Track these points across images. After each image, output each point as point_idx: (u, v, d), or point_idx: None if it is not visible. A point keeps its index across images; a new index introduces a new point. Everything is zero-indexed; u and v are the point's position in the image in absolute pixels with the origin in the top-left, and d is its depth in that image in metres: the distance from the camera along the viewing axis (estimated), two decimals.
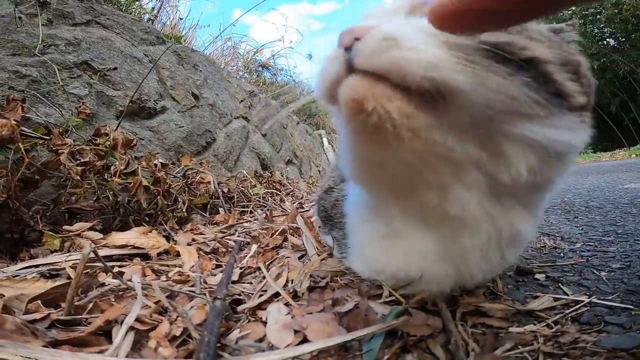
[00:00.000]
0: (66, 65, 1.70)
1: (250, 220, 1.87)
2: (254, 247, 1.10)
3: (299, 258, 0.97)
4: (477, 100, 0.36)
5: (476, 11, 0.24)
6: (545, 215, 1.67)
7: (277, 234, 1.24)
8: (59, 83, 1.36)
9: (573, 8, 14.84)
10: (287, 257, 0.96)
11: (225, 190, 2.00)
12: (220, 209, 1.93)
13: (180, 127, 2.03)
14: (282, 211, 2.01)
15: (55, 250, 1.13)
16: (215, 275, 0.92)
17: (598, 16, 13.49)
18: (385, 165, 0.45)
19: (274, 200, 2.22)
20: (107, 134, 1.15)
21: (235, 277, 0.86)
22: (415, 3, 0.48)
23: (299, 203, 2.21)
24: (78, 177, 1.14)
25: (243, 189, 2.00)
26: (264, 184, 2.27)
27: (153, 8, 3.36)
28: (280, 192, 2.29)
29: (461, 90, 0.35)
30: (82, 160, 1.12)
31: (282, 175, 2.54)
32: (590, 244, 1.08)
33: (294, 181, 2.78)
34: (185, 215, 1.73)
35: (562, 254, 0.99)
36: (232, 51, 4.49)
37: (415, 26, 0.38)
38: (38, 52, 1.58)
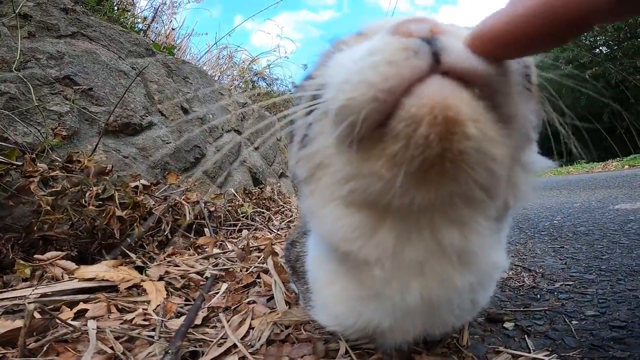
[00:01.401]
0: (47, 81, 1.63)
1: (235, 242, 1.81)
2: (224, 285, 1.06)
3: (268, 300, 0.96)
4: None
5: (522, 35, 0.24)
6: (532, 243, 1.66)
7: (252, 267, 1.21)
8: (34, 102, 1.29)
9: None
10: (253, 303, 0.94)
11: (212, 209, 1.94)
12: (205, 229, 1.87)
13: (167, 143, 1.96)
14: (269, 232, 1.96)
15: (26, 279, 1.10)
16: (180, 316, 0.90)
17: None
18: (418, 205, 0.34)
19: (263, 217, 2.16)
20: (79, 161, 1.09)
21: (199, 321, 0.85)
22: (397, 26, 0.42)
23: (287, 221, 2.16)
24: (48, 207, 1.08)
25: (230, 208, 1.94)
26: (254, 201, 2.21)
27: (145, 18, 3.30)
28: (270, 209, 2.23)
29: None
30: (54, 190, 1.06)
31: (273, 191, 2.48)
32: (570, 283, 1.06)
33: (286, 196, 2.73)
34: (169, 237, 1.67)
35: (539, 296, 0.98)
36: (228, 60, 4.45)
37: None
38: (15, 68, 1.51)
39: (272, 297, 0.96)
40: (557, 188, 4.98)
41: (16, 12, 1.75)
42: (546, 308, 0.88)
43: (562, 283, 1.06)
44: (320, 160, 0.39)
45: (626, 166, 9.50)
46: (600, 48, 14.99)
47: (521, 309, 0.88)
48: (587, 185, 4.91)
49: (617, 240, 1.53)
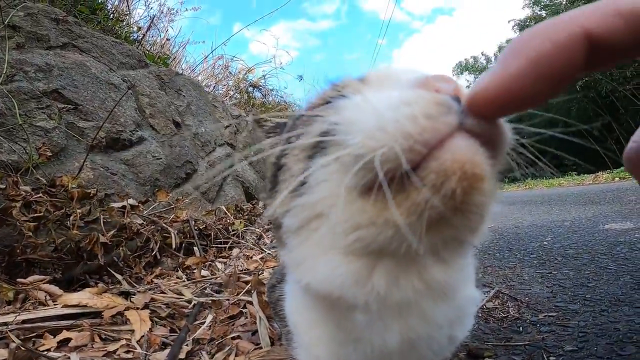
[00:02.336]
0: (34, 95, 1.59)
1: (225, 262, 1.77)
2: (210, 317, 1.03)
3: (253, 334, 0.94)
4: None
5: (516, 95, 0.26)
6: (521, 268, 1.66)
7: (240, 295, 1.19)
8: (18, 120, 1.24)
9: None
10: (238, 338, 0.92)
11: (203, 226, 1.90)
12: (195, 247, 1.82)
13: (157, 158, 1.92)
14: (259, 250, 1.92)
15: (10, 302, 1.07)
16: (164, 348, 0.88)
17: None
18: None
19: (255, 234, 2.12)
20: (63, 185, 1.05)
21: (183, 354, 0.83)
22: (425, 81, 0.39)
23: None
24: (30, 233, 1.03)
25: (221, 225, 1.90)
26: (245, 218, 2.17)
27: (140, 28, 3.27)
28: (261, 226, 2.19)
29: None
30: (36, 215, 1.02)
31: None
32: (554, 314, 1.06)
33: None
34: (157, 257, 1.63)
35: (521, 328, 0.98)
36: (224, 70, 4.43)
37: None
38: (1, 82, 1.47)
39: (257, 331, 0.95)
40: (549, 203, 5.01)
41: (5, 22, 1.70)
42: (527, 342, 0.88)
43: (545, 314, 1.07)
44: (321, 209, 0.37)
45: (616, 178, 9.62)
46: None
47: (502, 343, 0.88)
48: (578, 200, 4.94)
49: (604, 266, 1.53)
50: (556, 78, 0.25)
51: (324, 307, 0.47)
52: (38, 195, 1.10)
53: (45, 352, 0.78)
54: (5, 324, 0.87)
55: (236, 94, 4.52)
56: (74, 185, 1.14)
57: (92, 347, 0.88)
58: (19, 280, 1.12)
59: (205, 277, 1.48)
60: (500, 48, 20.07)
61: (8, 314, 0.95)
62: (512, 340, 0.90)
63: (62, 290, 1.11)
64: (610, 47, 0.25)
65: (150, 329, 0.99)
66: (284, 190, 0.41)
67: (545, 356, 0.80)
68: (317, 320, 0.51)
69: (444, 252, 0.37)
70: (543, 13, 15.69)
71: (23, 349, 0.74)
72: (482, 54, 21.90)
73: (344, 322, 0.45)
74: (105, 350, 0.86)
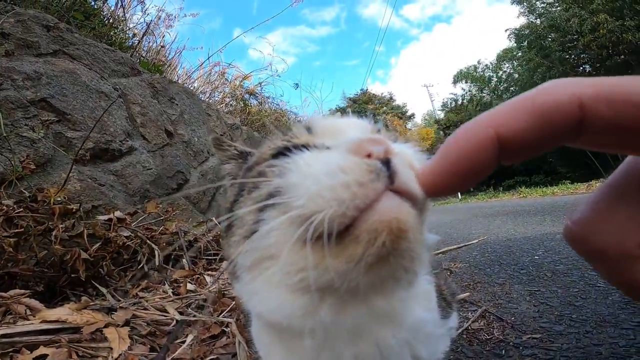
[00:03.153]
0: (21, 104, 1.56)
1: (214, 275, 1.74)
2: (190, 336, 1.01)
3: (232, 357, 0.94)
4: None
5: (441, 188, 0.32)
6: (510, 284, 1.66)
7: (223, 314, 1.16)
8: (2, 132, 1.22)
9: (552, 34, 15.63)
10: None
11: (192, 238, 1.87)
12: (184, 260, 1.79)
13: (148, 169, 1.90)
14: None
15: None
16: None
17: (575, 42, 14.00)
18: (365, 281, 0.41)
19: None
20: (45, 201, 1.02)
21: None
22: (359, 145, 0.43)
23: None
24: (11, 249, 1.01)
25: (211, 237, 1.87)
26: None
27: (134, 34, 3.25)
28: None
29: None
30: (18, 231, 1.00)
31: None
32: (538, 335, 1.06)
33: None
34: (145, 269, 1.60)
35: (504, 352, 0.98)
36: (220, 77, 4.41)
37: (407, 151, 0.41)
38: None
39: (236, 354, 0.94)
40: (542, 213, 5.03)
41: None
42: None
43: (530, 336, 1.07)
44: (272, 253, 0.43)
45: (591, 194, 9.72)
46: (584, 66, 15.41)
47: None
48: (571, 210, 4.97)
49: (593, 283, 1.53)
50: (472, 175, 0.29)
51: (276, 332, 0.51)
52: (20, 210, 1.07)
53: None
54: None
55: (232, 101, 4.50)
56: (58, 199, 1.11)
57: None
58: None
59: (191, 291, 1.45)
60: (498, 57, 20.16)
61: None
62: None
63: (42, 305, 1.09)
64: (520, 143, 0.27)
65: (129, 346, 0.97)
66: (238, 236, 0.46)
67: None
68: (273, 344, 0.55)
69: (383, 287, 0.41)
70: (538, 21, 15.85)
71: None
72: (479, 62, 22.04)
73: (295, 347, 0.49)
74: None
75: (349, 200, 0.34)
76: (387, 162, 0.36)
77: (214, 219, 1.98)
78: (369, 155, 0.36)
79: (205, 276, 1.74)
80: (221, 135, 2.93)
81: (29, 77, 1.65)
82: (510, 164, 0.31)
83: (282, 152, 0.45)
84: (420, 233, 0.38)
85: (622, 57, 13.12)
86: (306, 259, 0.39)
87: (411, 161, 0.38)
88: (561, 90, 0.26)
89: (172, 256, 1.78)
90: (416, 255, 0.39)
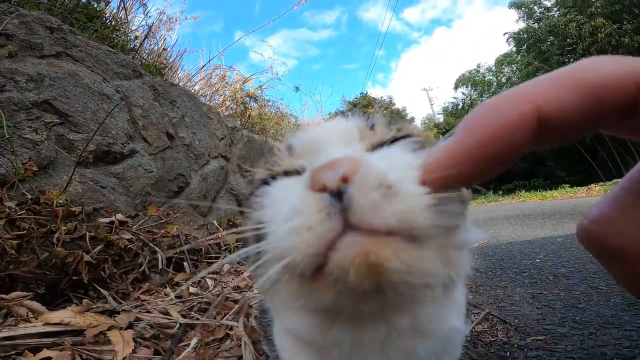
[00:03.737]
0: (24, 106, 1.56)
1: (215, 278, 1.74)
2: (195, 340, 1.00)
3: (238, 359, 0.93)
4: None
5: (462, 174, 0.27)
6: (512, 287, 1.66)
7: (226, 318, 1.16)
8: (5, 133, 1.22)
9: (551, 38, 15.69)
10: None
11: (193, 242, 1.87)
12: (185, 263, 1.79)
13: (149, 172, 1.90)
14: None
15: None
16: None
17: (574, 46, 14.04)
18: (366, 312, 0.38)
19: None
20: (47, 203, 1.02)
21: None
22: (362, 130, 0.44)
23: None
24: (13, 251, 1.00)
25: (212, 240, 1.87)
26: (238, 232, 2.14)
27: (136, 37, 3.26)
28: None
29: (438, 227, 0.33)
30: (20, 233, 0.99)
31: None
32: (542, 337, 1.06)
33: None
34: (146, 272, 1.60)
35: (508, 353, 0.98)
36: (221, 80, 4.41)
37: (397, 160, 0.35)
38: None
39: (242, 356, 0.93)
40: (542, 217, 5.04)
41: None
42: None
43: (534, 338, 1.06)
44: (274, 280, 0.42)
45: (609, 190, 9.72)
46: None
47: None
48: (571, 214, 4.97)
49: (595, 286, 1.53)
50: (503, 159, 0.25)
51: (303, 342, 0.49)
52: (22, 212, 1.07)
53: None
54: None
55: (232, 104, 4.51)
56: (60, 201, 1.11)
57: None
58: (0, 296, 1.10)
59: (194, 294, 1.44)
60: (497, 61, 20.23)
61: None
62: None
63: (44, 307, 1.08)
64: (563, 124, 0.24)
65: (133, 350, 0.96)
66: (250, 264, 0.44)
67: None
68: (299, 349, 0.52)
69: (398, 308, 0.38)
70: (536, 25, 15.91)
71: None
72: (479, 66, 22.08)
73: (324, 356, 0.47)
74: None
75: (304, 247, 0.32)
76: (339, 195, 0.31)
77: (214, 222, 1.97)
78: (323, 189, 0.32)
79: (206, 279, 1.73)
80: (222, 138, 2.93)
81: (32, 79, 1.66)
82: (541, 149, 0.27)
83: (265, 181, 0.42)
84: (413, 254, 0.32)
85: None
86: (298, 287, 0.37)
87: (385, 176, 0.32)
88: (614, 66, 0.23)
89: (173, 259, 1.78)
90: (425, 275, 0.34)
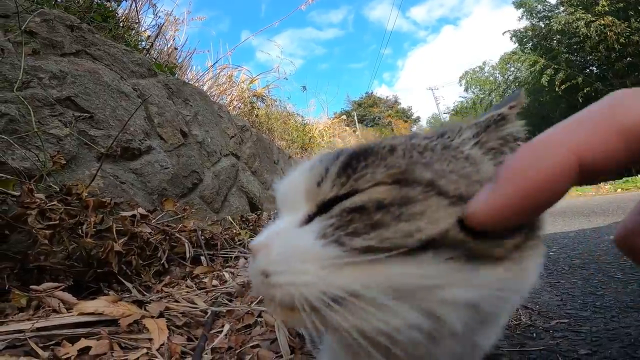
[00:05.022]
0: (48, 102, 1.61)
1: (233, 272, 1.77)
2: (227, 326, 1.03)
3: (271, 343, 0.95)
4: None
5: (504, 220, 0.28)
6: None
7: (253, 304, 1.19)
8: (34, 126, 1.26)
9: (558, 36, 15.53)
10: (257, 347, 0.93)
11: (209, 236, 1.91)
12: (202, 257, 1.83)
13: (165, 168, 1.94)
14: None
15: (22, 309, 1.06)
16: (184, 357, 0.88)
17: (582, 44, 13.88)
18: None
19: None
20: (78, 194, 1.06)
21: None
22: (309, 189, 0.40)
23: None
24: (46, 241, 1.04)
25: (227, 236, 1.90)
26: (250, 228, 2.18)
27: (149, 36, 3.31)
28: None
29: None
30: (51, 223, 1.03)
31: (270, 217, 2.46)
32: (565, 320, 1.08)
33: None
34: (166, 266, 1.63)
35: (534, 334, 0.99)
36: (228, 80, 4.46)
37: (292, 245, 0.36)
38: (17, 88, 1.48)
39: (275, 340, 0.95)
40: (551, 214, 4.98)
41: (22, 28, 1.73)
42: (541, 347, 0.89)
43: (557, 321, 1.08)
44: None
45: (619, 189, 9.65)
46: (591, 68, 15.25)
47: (517, 349, 0.88)
48: (581, 211, 4.97)
49: (612, 275, 1.54)
50: (544, 207, 0.26)
51: None
52: (53, 203, 1.11)
53: None
54: (21, 331, 0.87)
55: (240, 104, 4.55)
56: (86, 194, 1.15)
57: (112, 356, 0.87)
58: (32, 287, 1.12)
59: (216, 286, 1.48)
60: (501, 59, 20.01)
61: (23, 321, 0.94)
62: (527, 345, 0.90)
63: (75, 298, 1.11)
64: (604, 170, 0.24)
65: (168, 337, 0.98)
66: None
67: (561, 359, 0.81)
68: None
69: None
70: (541, 24, 15.78)
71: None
72: (484, 63, 21.89)
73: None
74: (126, 358, 0.85)
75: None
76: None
77: (228, 217, 2.01)
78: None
79: (224, 273, 1.77)
80: (232, 137, 2.97)
81: (55, 76, 1.70)
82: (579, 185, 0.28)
83: None
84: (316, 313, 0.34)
85: (630, 59, 13.03)
86: None
87: (265, 267, 0.36)
88: None
89: (191, 254, 1.81)
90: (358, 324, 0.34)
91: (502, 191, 0.27)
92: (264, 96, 5.02)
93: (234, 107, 4.38)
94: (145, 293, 1.39)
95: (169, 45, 3.62)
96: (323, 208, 0.37)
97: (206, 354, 0.90)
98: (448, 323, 0.35)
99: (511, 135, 0.39)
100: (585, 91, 12.86)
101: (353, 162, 0.37)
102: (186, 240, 1.47)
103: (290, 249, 0.36)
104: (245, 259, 1.95)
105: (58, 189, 1.23)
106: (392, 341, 0.34)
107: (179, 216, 1.79)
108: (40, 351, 0.80)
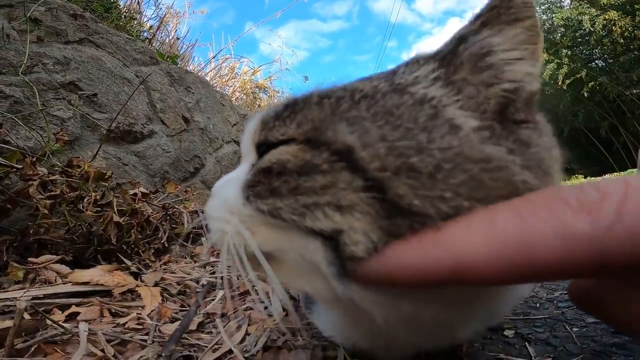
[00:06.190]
0: (52, 86, 1.65)
1: None
2: (221, 293, 1.05)
3: (265, 307, 0.96)
4: None
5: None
6: None
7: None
8: (38, 107, 1.30)
9: (562, 29, 15.38)
10: (250, 309, 0.93)
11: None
12: (202, 238, 1.86)
13: (167, 152, 1.97)
14: None
15: (19, 282, 1.07)
16: (174, 321, 0.89)
17: (587, 37, 13.70)
18: None
19: None
20: (79, 166, 1.09)
21: (194, 326, 0.83)
22: (254, 132, 0.39)
23: None
24: (46, 211, 1.08)
25: None
26: None
27: (151, 27, 3.35)
28: None
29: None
30: (53, 193, 1.06)
31: None
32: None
33: None
34: (166, 245, 1.67)
35: (538, 304, 0.98)
36: (230, 71, 4.50)
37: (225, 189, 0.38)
38: (21, 72, 1.53)
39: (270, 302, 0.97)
40: None
41: (27, 16, 1.77)
42: (546, 316, 0.87)
43: (560, 292, 1.07)
44: None
45: None
46: (596, 62, 15.05)
47: (521, 317, 0.87)
48: None
49: None
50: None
51: None
52: (55, 177, 1.14)
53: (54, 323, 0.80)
54: (14, 298, 0.87)
55: (242, 95, 4.59)
56: (89, 167, 1.18)
57: (101, 321, 0.88)
58: (30, 259, 1.12)
59: (216, 261, 1.51)
60: None
61: (17, 290, 0.95)
62: (531, 314, 0.90)
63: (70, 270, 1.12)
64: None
65: (160, 303, 1.00)
66: None
67: (567, 327, 0.80)
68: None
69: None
70: (544, 17, 15.61)
71: (30, 318, 0.73)
72: None
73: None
74: (115, 323, 0.86)
75: None
76: None
77: None
78: None
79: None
80: (234, 125, 3.01)
81: (59, 62, 1.74)
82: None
83: None
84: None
85: (636, 53, 12.83)
86: None
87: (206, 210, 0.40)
88: None
89: (191, 235, 1.85)
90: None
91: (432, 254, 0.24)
92: (267, 87, 5.06)
93: (237, 98, 4.41)
94: (144, 270, 1.43)
95: (170, 37, 3.66)
96: (260, 151, 0.36)
97: (198, 317, 0.91)
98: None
99: (484, 49, 0.29)
100: (590, 85, 12.70)
101: (284, 110, 0.33)
102: (186, 213, 1.50)
103: (223, 198, 0.37)
104: None
105: (60, 165, 1.26)
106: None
107: (180, 198, 1.82)
108: (28, 317, 0.80)
